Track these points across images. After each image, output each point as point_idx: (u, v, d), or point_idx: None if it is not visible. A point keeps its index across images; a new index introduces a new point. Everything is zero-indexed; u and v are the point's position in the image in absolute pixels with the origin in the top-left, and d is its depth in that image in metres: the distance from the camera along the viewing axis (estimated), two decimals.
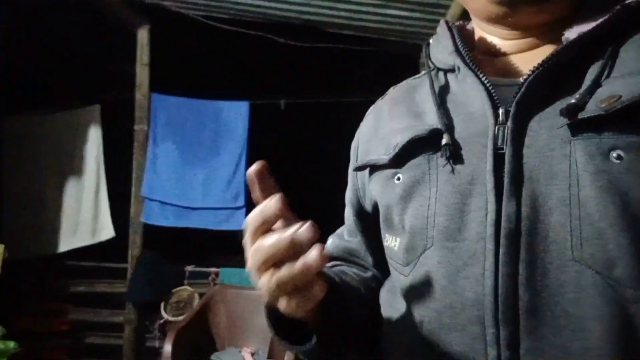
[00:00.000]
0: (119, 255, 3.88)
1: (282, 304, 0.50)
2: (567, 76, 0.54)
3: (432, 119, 0.61)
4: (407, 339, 0.60)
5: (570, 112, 0.51)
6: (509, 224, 0.51)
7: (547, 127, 0.53)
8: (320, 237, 0.48)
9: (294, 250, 0.46)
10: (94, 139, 3.98)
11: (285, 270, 0.46)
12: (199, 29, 3.62)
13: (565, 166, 0.51)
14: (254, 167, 0.48)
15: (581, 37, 0.54)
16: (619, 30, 0.54)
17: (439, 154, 0.58)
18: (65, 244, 3.97)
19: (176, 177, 3.80)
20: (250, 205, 3.52)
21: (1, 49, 3.14)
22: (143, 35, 3.82)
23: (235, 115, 3.86)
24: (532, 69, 0.54)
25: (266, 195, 0.47)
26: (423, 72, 0.70)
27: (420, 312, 0.58)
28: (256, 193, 0.48)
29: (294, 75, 3.99)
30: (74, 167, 3.99)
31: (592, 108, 0.50)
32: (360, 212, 0.75)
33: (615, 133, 0.49)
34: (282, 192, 0.48)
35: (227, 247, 3.98)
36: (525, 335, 0.50)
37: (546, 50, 0.57)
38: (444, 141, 0.57)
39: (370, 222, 0.72)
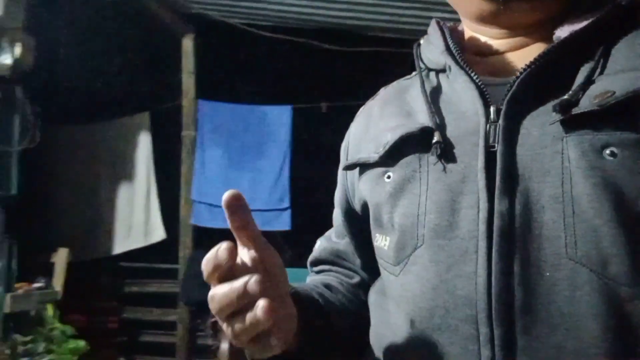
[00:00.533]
0: (170, 256, 4.04)
1: (247, 351, 0.52)
2: (559, 74, 0.54)
3: (423, 118, 0.61)
4: (397, 341, 0.59)
5: (563, 108, 0.50)
6: (502, 221, 0.51)
7: (539, 125, 0.53)
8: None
9: (245, 301, 0.46)
10: (144, 145, 4.16)
11: (238, 325, 0.47)
12: (242, 36, 3.74)
13: (558, 163, 0.51)
14: (227, 195, 0.48)
15: (573, 36, 0.54)
16: (611, 29, 0.55)
17: (429, 152, 0.58)
18: (119, 246, 4.16)
19: (224, 180, 3.92)
20: (294, 206, 3.61)
21: (55, 66, 3.31)
22: (188, 44, 3.96)
23: (278, 119, 3.97)
24: (523, 67, 0.54)
25: (236, 225, 0.48)
26: (414, 73, 0.70)
27: (411, 313, 0.57)
28: (229, 220, 0.48)
29: (334, 78, 4.06)
30: (126, 172, 4.18)
31: (586, 104, 0.50)
32: (348, 212, 0.74)
33: (609, 130, 0.49)
34: (253, 222, 0.48)
35: (275, 247, 4.11)
36: (520, 335, 0.49)
37: (537, 49, 0.57)
38: (434, 139, 0.57)
39: (358, 223, 0.71)
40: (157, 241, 4.13)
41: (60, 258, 3.34)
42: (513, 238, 0.50)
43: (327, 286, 0.72)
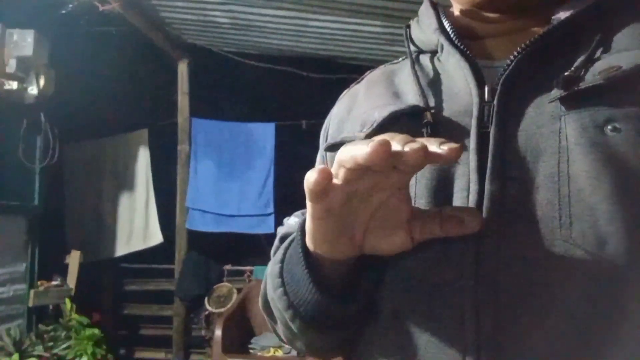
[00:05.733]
0: (167, 257, 4.52)
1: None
2: (558, 56, 0.52)
3: (412, 99, 0.57)
4: (381, 333, 0.54)
5: (565, 84, 0.48)
6: (492, 203, 0.48)
7: (536, 105, 0.50)
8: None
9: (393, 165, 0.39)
10: (143, 158, 4.63)
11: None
12: (231, 62, 4.25)
13: (555, 142, 0.48)
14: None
15: (574, 16, 0.52)
16: (612, 11, 0.53)
17: (419, 134, 0.53)
18: (122, 249, 4.62)
19: (215, 189, 4.43)
20: (278, 212, 4.14)
21: (69, 91, 3.78)
22: (183, 69, 4.47)
23: (263, 135, 4.49)
24: (522, 47, 0.51)
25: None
26: (401, 58, 0.68)
27: (396, 303, 0.53)
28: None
29: (312, 99, 4.60)
30: (127, 183, 4.65)
31: (590, 79, 0.48)
32: None
33: (613, 105, 0.47)
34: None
35: (260, 248, 4.61)
36: (507, 321, 0.46)
37: (533, 32, 0.55)
38: (425, 120, 0.53)
39: None
40: (155, 244, 4.58)
41: (74, 259, 3.81)
42: (503, 220, 0.48)
43: None
